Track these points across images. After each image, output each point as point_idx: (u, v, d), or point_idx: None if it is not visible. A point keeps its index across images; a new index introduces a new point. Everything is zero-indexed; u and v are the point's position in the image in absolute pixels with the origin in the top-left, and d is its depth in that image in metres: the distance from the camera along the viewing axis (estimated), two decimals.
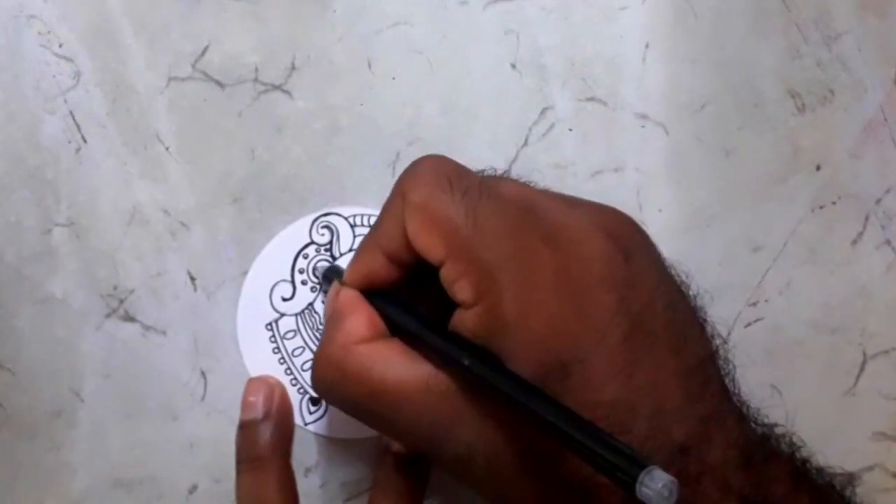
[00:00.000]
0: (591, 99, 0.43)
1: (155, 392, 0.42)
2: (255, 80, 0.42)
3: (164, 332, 0.42)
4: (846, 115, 0.44)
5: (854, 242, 0.44)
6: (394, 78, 0.43)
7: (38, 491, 0.42)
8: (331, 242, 0.41)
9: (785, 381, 0.43)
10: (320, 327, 0.41)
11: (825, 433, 0.43)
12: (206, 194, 0.42)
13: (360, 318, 0.33)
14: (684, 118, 0.43)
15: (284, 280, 0.41)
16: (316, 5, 0.43)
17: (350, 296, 0.35)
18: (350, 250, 0.41)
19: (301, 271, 0.41)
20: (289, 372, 0.41)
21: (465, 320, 0.31)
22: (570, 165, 0.43)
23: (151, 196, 0.42)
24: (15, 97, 0.42)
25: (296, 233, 0.41)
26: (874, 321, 0.44)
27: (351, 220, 0.42)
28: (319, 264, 0.41)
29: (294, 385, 0.41)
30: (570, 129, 0.43)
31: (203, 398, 0.42)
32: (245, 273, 0.42)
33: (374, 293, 0.35)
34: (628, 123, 0.43)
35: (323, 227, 0.41)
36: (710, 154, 0.43)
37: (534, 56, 0.43)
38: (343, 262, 0.41)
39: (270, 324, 0.41)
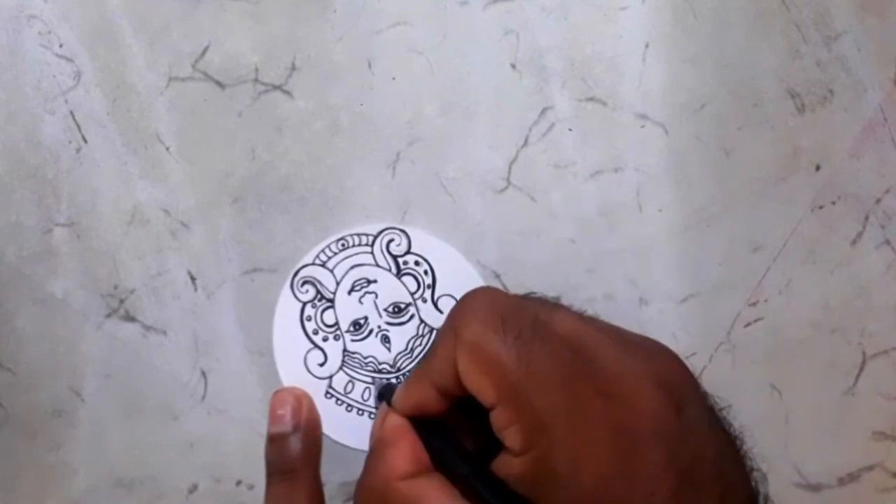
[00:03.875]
0: (591, 99, 0.43)
1: (155, 392, 0.42)
2: (256, 80, 0.42)
3: (164, 332, 0.42)
4: (846, 115, 0.44)
5: (854, 242, 0.44)
6: (394, 78, 0.43)
7: (39, 490, 0.42)
8: (318, 292, 0.41)
9: (785, 381, 0.43)
10: (366, 361, 0.41)
11: (825, 433, 0.43)
12: (206, 194, 0.42)
13: (404, 450, 0.33)
14: (684, 118, 0.43)
15: (308, 349, 0.41)
16: (316, 5, 0.43)
17: (396, 424, 0.35)
18: (337, 285, 0.41)
19: (315, 332, 0.41)
20: (372, 416, 0.41)
21: (511, 466, 0.31)
22: (570, 165, 0.43)
23: (151, 196, 0.42)
24: (15, 97, 0.42)
25: (285, 304, 0.41)
26: (874, 321, 0.44)
27: (319, 261, 0.42)
28: (378, 382, 0.41)
29: None
30: (570, 129, 0.43)
31: (203, 398, 0.42)
32: (245, 273, 0.42)
33: (421, 421, 0.35)
34: (628, 123, 0.43)
35: (302, 284, 0.42)
36: (709, 154, 0.43)
37: (534, 56, 0.43)
38: (342, 301, 0.41)
39: (327, 392, 0.41)
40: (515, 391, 0.30)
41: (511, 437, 0.31)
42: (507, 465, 0.31)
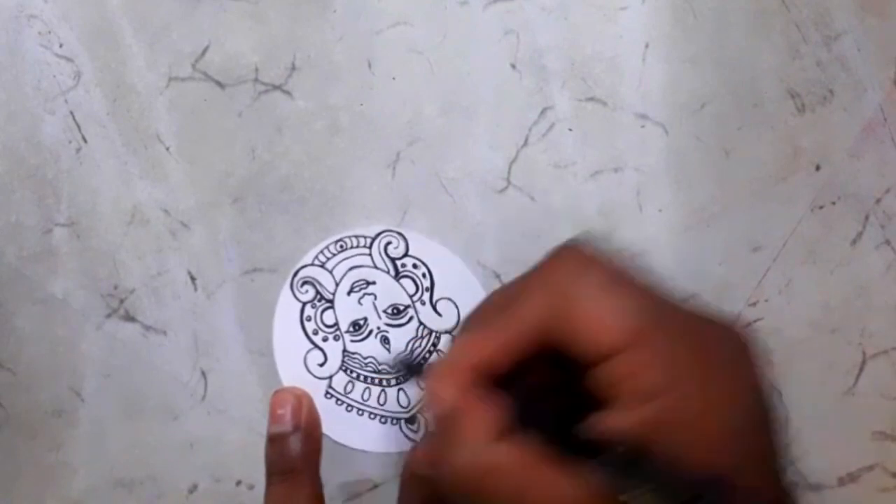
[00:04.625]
0: (591, 99, 0.43)
1: (155, 392, 0.42)
2: (256, 80, 0.42)
3: (164, 332, 0.42)
4: (846, 115, 0.44)
5: (854, 242, 0.44)
6: (394, 78, 0.43)
7: (39, 490, 0.42)
8: (318, 293, 0.41)
9: (785, 381, 0.43)
10: (365, 362, 0.41)
11: (825, 433, 0.43)
12: (206, 194, 0.42)
13: (485, 416, 0.30)
14: (684, 118, 0.43)
15: (308, 349, 0.41)
16: (316, 5, 0.43)
17: (462, 389, 0.31)
18: (337, 286, 0.41)
19: (315, 332, 0.41)
20: (372, 416, 0.41)
21: (629, 417, 0.29)
22: (570, 165, 0.43)
23: (151, 196, 0.42)
24: (15, 97, 0.42)
25: (285, 305, 0.41)
26: (874, 321, 0.44)
27: (318, 261, 0.42)
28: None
29: (383, 423, 0.41)
30: (570, 129, 0.43)
31: (203, 398, 0.42)
32: (245, 273, 0.42)
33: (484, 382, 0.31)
34: (628, 123, 0.43)
35: (302, 284, 0.42)
36: (709, 154, 0.43)
37: (534, 56, 0.43)
38: (341, 301, 0.41)
39: (327, 392, 0.41)
40: (651, 335, 0.29)
41: (642, 381, 0.29)
42: (624, 418, 0.29)
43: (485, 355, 0.31)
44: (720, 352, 0.30)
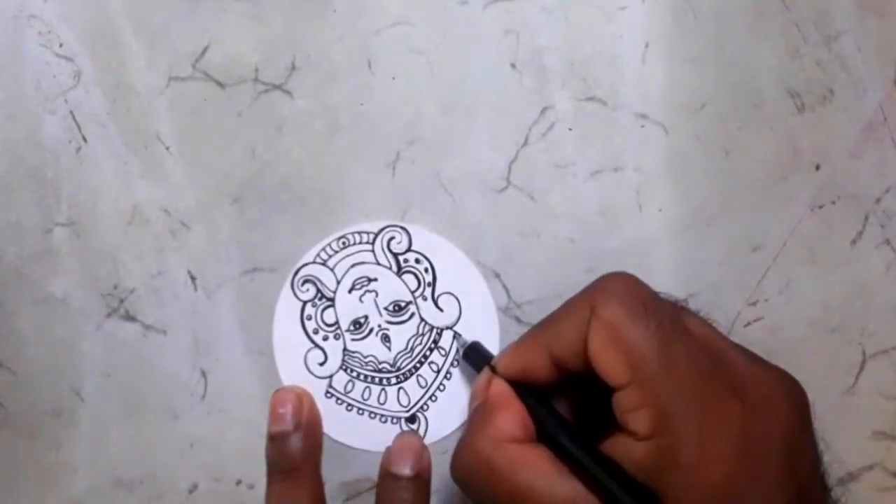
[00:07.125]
0: (590, 99, 0.43)
1: (155, 392, 0.42)
2: (256, 79, 0.42)
3: (164, 332, 0.42)
4: (846, 115, 0.44)
5: (853, 242, 0.44)
6: (394, 78, 0.43)
7: (39, 490, 0.42)
8: (319, 291, 0.41)
9: None
10: (366, 361, 0.41)
11: (825, 433, 0.43)
12: (206, 194, 0.42)
13: (514, 416, 0.33)
14: (684, 118, 0.43)
15: (308, 349, 0.41)
16: (316, 5, 0.43)
17: (503, 389, 0.35)
18: (338, 284, 0.41)
19: (315, 331, 0.41)
20: (372, 416, 0.41)
21: (631, 450, 0.31)
22: (570, 165, 0.43)
23: (151, 196, 0.42)
24: (15, 97, 0.42)
25: (286, 303, 0.41)
26: (874, 321, 0.44)
27: (319, 259, 0.42)
28: (461, 339, 0.41)
29: (383, 422, 0.41)
30: (570, 129, 0.43)
31: (203, 398, 0.42)
32: (245, 273, 0.42)
33: (523, 389, 0.35)
34: (628, 123, 0.43)
35: (303, 283, 0.42)
36: (709, 154, 0.43)
37: (534, 56, 0.43)
38: (342, 299, 0.41)
39: (327, 391, 0.41)
40: (651, 377, 0.30)
41: (637, 421, 0.30)
42: (627, 448, 0.31)
43: (523, 364, 0.35)
44: (735, 403, 0.30)
